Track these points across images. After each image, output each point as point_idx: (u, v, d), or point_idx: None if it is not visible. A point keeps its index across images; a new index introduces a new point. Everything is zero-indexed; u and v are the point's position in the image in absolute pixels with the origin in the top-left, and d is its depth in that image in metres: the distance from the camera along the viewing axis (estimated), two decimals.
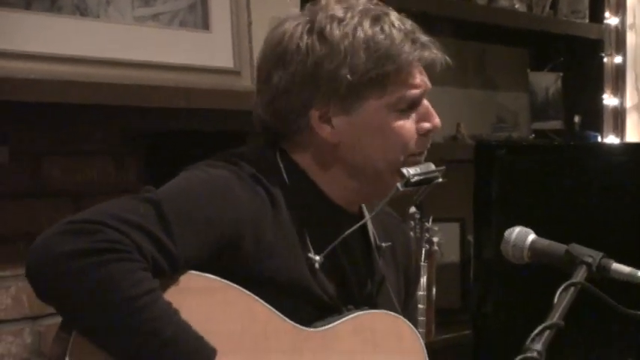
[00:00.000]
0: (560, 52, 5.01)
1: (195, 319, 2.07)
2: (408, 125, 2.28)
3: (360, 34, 2.22)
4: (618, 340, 3.65)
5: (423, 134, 2.30)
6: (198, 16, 3.17)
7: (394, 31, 2.24)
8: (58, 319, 2.10)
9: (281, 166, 2.29)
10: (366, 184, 2.30)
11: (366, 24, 2.24)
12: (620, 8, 5.10)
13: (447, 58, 2.31)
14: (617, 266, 2.19)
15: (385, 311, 2.35)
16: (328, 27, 2.23)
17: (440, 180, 2.34)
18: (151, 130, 3.21)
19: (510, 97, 4.93)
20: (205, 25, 3.19)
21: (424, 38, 2.28)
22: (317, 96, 2.23)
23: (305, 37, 2.24)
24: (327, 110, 2.24)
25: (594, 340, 3.36)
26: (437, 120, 2.31)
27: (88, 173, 3.10)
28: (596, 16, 5.03)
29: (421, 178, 2.30)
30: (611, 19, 5.08)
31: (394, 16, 2.28)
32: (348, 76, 2.21)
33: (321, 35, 2.23)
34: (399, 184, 2.29)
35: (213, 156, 2.32)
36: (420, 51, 2.26)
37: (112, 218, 2.04)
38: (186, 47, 3.12)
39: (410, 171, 2.28)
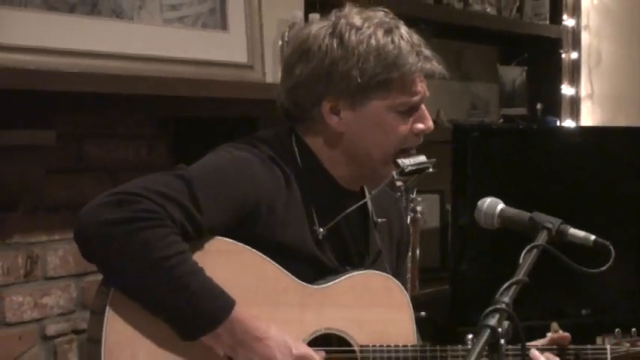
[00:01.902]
0: (524, 49, 5.00)
1: (217, 275, 2.08)
2: (404, 126, 2.28)
3: (372, 42, 2.23)
4: (574, 293, 3.64)
5: (416, 134, 2.30)
6: (217, 19, 3.17)
7: (402, 43, 2.25)
8: (100, 277, 2.11)
9: (295, 149, 2.30)
10: (362, 169, 2.31)
11: (379, 34, 2.24)
12: (576, 12, 5.09)
13: (445, 71, 2.32)
14: (573, 231, 2.19)
15: (377, 271, 2.35)
16: (347, 34, 2.24)
17: (430, 170, 2.34)
18: (177, 116, 3.20)
19: (482, 88, 4.92)
20: (224, 26, 3.18)
21: (427, 52, 2.29)
22: (330, 90, 2.24)
23: (327, 39, 2.24)
24: (337, 104, 2.24)
25: (554, 294, 3.36)
26: (430, 123, 2.32)
27: (123, 153, 3.10)
28: (556, 19, 5.02)
29: (414, 168, 2.31)
30: (568, 21, 5.07)
31: (404, 29, 2.29)
32: (359, 78, 2.22)
33: (340, 39, 2.24)
34: (394, 173, 2.31)
35: (237, 139, 2.32)
36: (423, 63, 2.27)
37: (148, 191, 2.05)
38: (207, 45, 3.12)
39: (405, 162, 2.29)
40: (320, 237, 2.27)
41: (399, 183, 3.75)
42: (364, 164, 2.30)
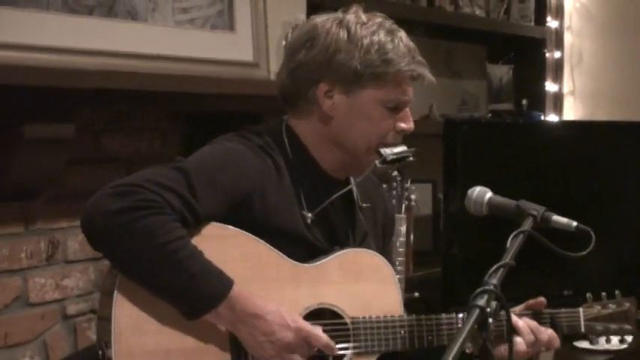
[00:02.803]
0: (511, 49, 4.99)
1: (215, 258, 2.09)
2: (389, 121, 2.30)
3: (375, 37, 2.25)
4: (557, 275, 3.65)
5: (398, 131, 2.31)
6: (225, 21, 3.16)
7: (401, 45, 2.28)
8: None
9: (286, 140, 2.31)
10: (347, 157, 2.32)
11: (382, 32, 2.27)
12: (559, 14, 5.08)
13: (433, 78, 2.35)
14: (556, 218, 2.20)
15: (364, 249, 2.36)
16: (354, 26, 2.26)
17: (411, 159, 2.35)
18: (188, 111, 3.20)
19: (472, 85, 4.91)
20: (231, 27, 3.18)
21: (420, 58, 2.32)
22: (329, 74, 2.25)
23: (334, 28, 2.27)
24: (332, 88, 2.26)
25: (538, 276, 3.36)
26: (412, 125, 2.34)
27: (138, 145, 3.09)
28: (540, 20, 5.01)
29: (395, 157, 2.32)
30: (552, 23, 5.06)
31: (403, 34, 2.32)
32: (358, 66, 2.23)
33: (348, 30, 2.26)
34: (377, 162, 2.31)
35: (230, 132, 2.33)
36: (416, 66, 2.29)
37: (148, 182, 2.07)
38: (216, 45, 3.11)
39: (387, 151, 2.30)
40: (309, 221, 2.28)
41: (394, 173, 3.75)
42: (349, 152, 2.31)
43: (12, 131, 2.51)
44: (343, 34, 2.25)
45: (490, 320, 1.83)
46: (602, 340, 2.47)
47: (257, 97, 3.07)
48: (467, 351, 2.26)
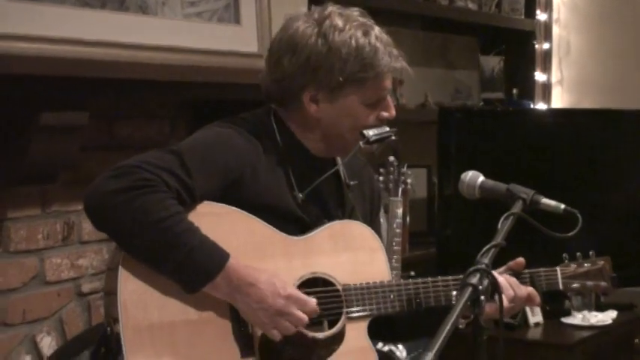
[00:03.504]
0: (502, 41, 4.98)
1: (211, 234, 2.10)
2: (372, 115, 2.31)
3: (353, 43, 2.24)
4: (546, 254, 3.65)
5: (381, 120, 2.32)
6: (231, 14, 3.16)
7: (378, 44, 2.27)
8: None
9: (275, 127, 2.31)
10: (335, 145, 2.34)
11: (359, 34, 2.26)
12: (548, 7, 5.07)
13: (408, 67, 2.34)
14: (545, 200, 2.20)
15: (352, 220, 2.36)
16: (331, 35, 2.25)
17: (393, 138, 2.35)
18: (196, 99, 3.20)
19: (465, 75, 4.91)
20: (237, 20, 3.18)
21: (396, 51, 2.31)
22: (312, 83, 2.26)
23: (313, 37, 2.25)
24: (316, 94, 2.27)
25: (527, 255, 3.36)
26: (393, 112, 2.35)
27: (148, 132, 3.09)
28: (530, 13, 5.00)
29: (378, 137, 2.32)
30: (541, 16, 5.05)
31: (377, 30, 2.30)
32: (340, 77, 2.24)
33: (326, 39, 2.24)
34: (361, 143, 2.31)
35: (222, 119, 2.34)
36: (394, 62, 2.29)
37: (144, 163, 2.08)
38: (222, 37, 3.11)
39: (369, 132, 2.31)
40: (299, 201, 2.28)
41: (390, 158, 3.74)
42: (335, 141, 2.33)
43: (29, 119, 2.51)
44: (322, 43, 2.24)
45: (482, 297, 1.83)
46: (589, 315, 2.48)
47: (260, 86, 3.07)
48: (459, 327, 2.27)
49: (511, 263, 2.39)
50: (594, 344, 3.83)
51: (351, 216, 2.41)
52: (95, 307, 2.92)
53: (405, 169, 3.79)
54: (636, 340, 4.21)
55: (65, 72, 2.48)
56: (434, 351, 1.67)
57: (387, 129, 2.34)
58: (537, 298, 2.40)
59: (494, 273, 2.24)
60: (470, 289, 1.82)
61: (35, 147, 2.54)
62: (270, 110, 2.35)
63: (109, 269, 2.18)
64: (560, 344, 3.70)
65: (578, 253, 2.48)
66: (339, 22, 2.26)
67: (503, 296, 2.29)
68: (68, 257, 2.86)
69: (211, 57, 3.03)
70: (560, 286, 2.45)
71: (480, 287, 1.83)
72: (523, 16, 4.95)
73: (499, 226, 2.05)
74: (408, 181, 3.82)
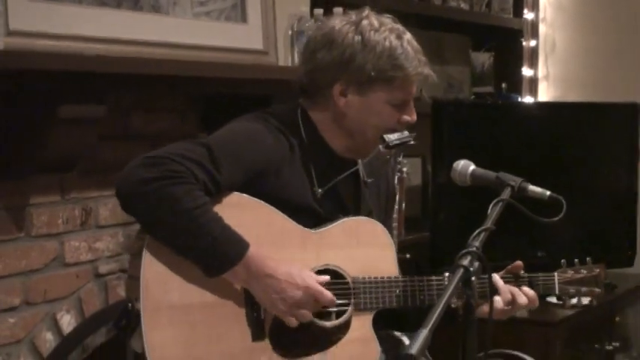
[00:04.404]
0: (492, 38, 4.97)
1: (233, 223, 2.10)
2: (395, 116, 2.31)
3: (387, 43, 2.25)
4: (532, 238, 3.65)
5: (402, 123, 2.32)
6: (238, 13, 3.15)
7: (409, 49, 2.28)
8: None
9: (300, 123, 2.30)
10: (355, 142, 2.34)
11: (392, 37, 2.27)
12: (534, 7, 5.06)
13: (434, 75, 2.35)
14: (532, 187, 2.20)
15: (365, 217, 2.36)
16: (368, 33, 2.26)
17: (412, 143, 2.35)
18: (206, 94, 3.19)
19: (457, 70, 4.90)
20: (243, 19, 3.17)
21: (424, 59, 2.32)
22: (344, 77, 2.25)
23: (350, 33, 2.25)
24: (346, 88, 2.26)
25: (515, 239, 3.37)
26: (415, 117, 2.35)
27: (162, 124, 3.09)
28: (518, 12, 4.99)
29: (398, 142, 2.33)
30: (528, 15, 5.04)
31: (410, 36, 2.32)
32: (372, 71, 2.23)
33: (362, 35, 2.25)
34: (380, 146, 2.31)
35: (250, 113, 2.33)
36: (422, 68, 2.30)
37: (175, 155, 2.07)
38: (230, 35, 3.10)
39: (390, 137, 2.31)
40: (319, 196, 2.28)
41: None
42: (357, 139, 2.32)
43: (49, 111, 2.51)
44: (358, 39, 2.25)
45: (473, 278, 1.84)
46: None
47: (266, 82, 3.06)
48: (452, 305, 2.27)
49: (509, 267, 2.39)
50: (577, 322, 3.84)
51: (367, 213, 2.41)
52: (111, 287, 2.92)
53: (401, 159, 3.80)
54: (617, 319, 4.22)
55: (83, 67, 2.48)
56: (428, 327, 1.68)
57: (407, 133, 2.34)
58: (537, 301, 2.40)
59: (495, 276, 2.26)
60: (461, 270, 1.82)
61: (55, 138, 2.54)
62: (298, 106, 2.34)
63: (133, 254, 2.19)
64: (545, 322, 3.71)
65: (576, 260, 2.48)
66: (376, 23, 2.27)
67: (499, 298, 2.30)
68: (86, 241, 2.86)
69: (219, 53, 3.03)
70: (557, 291, 2.44)
71: (471, 269, 1.83)
72: (511, 16, 4.94)
73: (489, 211, 2.05)
74: (404, 169, 3.83)
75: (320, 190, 2.29)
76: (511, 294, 2.33)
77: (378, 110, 2.28)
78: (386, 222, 2.46)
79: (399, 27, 2.31)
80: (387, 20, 2.31)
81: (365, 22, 2.27)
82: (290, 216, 2.21)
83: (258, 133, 2.23)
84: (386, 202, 2.54)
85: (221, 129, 2.25)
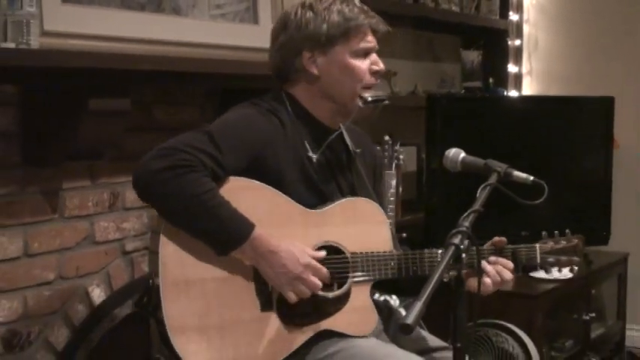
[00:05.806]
0: (481, 38, 4.96)
1: (240, 205, 2.10)
2: (362, 65, 2.31)
3: (334, 7, 2.29)
4: (516, 219, 3.65)
5: (373, 73, 2.32)
6: (251, 15, 3.15)
7: (355, 8, 2.31)
8: None
9: (286, 102, 2.32)
10: (336, 104, 2.33)
11: (338, 2, 2.31)
12: (519, 9, 5.05)
13: (388, 26, 2.35)
14: (516, 173, 2.20)
15: (362, 197, 2.36)
16: (316, 5, 2.30)
17: (386, 102, 2.37)
18: (222, 88, 3.19)
19: (449, 67, 4.89)
20: (256, 20, 3.17)
21: (373, 13, 2.33)
22: (306, 44, 2.29)
23: (299, 10, 2.32)
24: (312, 55, 2.28)
25: (501, 220, 3.36)
26: (382, 65, 2.35)
27: (182, 116, 3.09)
28: (504, 14, 4.97)
29: (374, 99, 2.33)
30: (513, 16, 5.02)
31: (357, 1, 2.35)
32: (326, 30, 2.27)
33: (312, 9, 2.30)
34: (360, 102, 2.32)
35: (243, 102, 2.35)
36: (370, 19, 2.32)
37: (184, 145, 2.08)
38: (243, 35, 3.10)
39: (366, 95, 2.31)
40: (314, 160, 2.28)
41: (386, 137, 3.74)
42: (338, 100, 2.32)
43: (80, 104, 2.51)
44: (308, 12, 2.29)
45: (463, 255, 1.84)
46: (555, 269, 2.46)
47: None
48: (444, 280, 2.27)
49: (495, 240, 2.38)
50: (557, 294, 3.84)
51: (359, 179, 2.41)
52: (137, 263, 2.93)
53: (398, 147, 3.80)
54: (593, 292, 4.23)
55: (110, 65, 2.48)
56: (423, 299, 1.68)
57: (382, 93, 2.37)
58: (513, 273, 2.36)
59: (484, 262, 2.26)
60: (453, 248, 1.83)
61: (85, 129, 2.55)
62: (281, 90, 2.36)
63: (153, 232, 2.19)
64: (528, 294, 3.71)
65: (556, 232, 2.46)
66: None
67: (489, 281, 2.29)
68: (114, 221, 2.86)
69: (234, 52, 3.03)
70: (539, 261, 2.42)
71: (462, 246, 1.83)
72: (498, 17, 4.93)
73: (477, 194, 2.05)
74: (401, 157, 3.83)
75: (315, 155, 2.29)
76: (498, 274, 2.32)
77: (345, 64, 2.28)
78: (377, 192, 2.46)
79: None
80: None
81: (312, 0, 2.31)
82: (292, 193, 2.22)
83: (251, 116, 2.25)
84: (374, 172, 2.54)
85: (219, 118, 2.27)
